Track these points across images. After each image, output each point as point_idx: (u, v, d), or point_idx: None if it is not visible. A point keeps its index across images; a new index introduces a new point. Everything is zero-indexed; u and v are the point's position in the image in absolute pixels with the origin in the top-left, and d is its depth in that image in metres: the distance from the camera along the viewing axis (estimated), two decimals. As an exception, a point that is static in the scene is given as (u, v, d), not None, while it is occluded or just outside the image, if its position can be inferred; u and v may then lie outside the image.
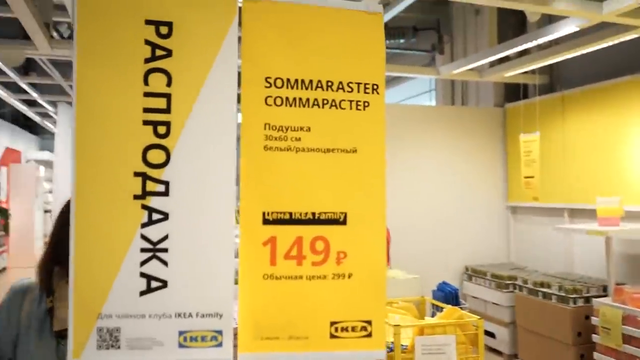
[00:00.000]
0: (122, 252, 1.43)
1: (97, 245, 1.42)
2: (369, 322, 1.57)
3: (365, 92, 1.61)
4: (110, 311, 1.42)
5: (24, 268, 10.86)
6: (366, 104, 1.61)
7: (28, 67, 8.53)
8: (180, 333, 1.45)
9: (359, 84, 1.60)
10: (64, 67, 8.28)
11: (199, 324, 1.46)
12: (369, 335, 1.56)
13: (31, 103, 11.51)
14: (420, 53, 7.79)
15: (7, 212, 11.24)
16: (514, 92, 6.53)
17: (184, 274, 1.46)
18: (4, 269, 10.47)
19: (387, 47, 7.41)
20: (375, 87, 1.62)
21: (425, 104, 9.17)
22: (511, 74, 5.87)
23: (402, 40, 7.02)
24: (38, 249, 12.68)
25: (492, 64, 6.05)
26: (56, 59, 7.57)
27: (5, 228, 10.92)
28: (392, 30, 6.90)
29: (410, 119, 6.35)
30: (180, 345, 1.45)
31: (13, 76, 8.45)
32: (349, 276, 1.56)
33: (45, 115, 13.15)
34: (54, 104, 10.92)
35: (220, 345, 1.47)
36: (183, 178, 1.47)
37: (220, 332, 1.47)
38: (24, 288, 1.75)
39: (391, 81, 9.12)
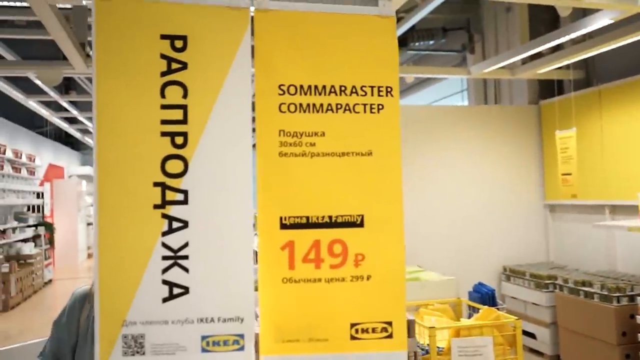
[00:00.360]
0: (144, 260, 1.47)
1: (120, 255, 1.46)
2: (390, 323, 1.56)
3: (379, 95, 1.61)
4: (135, 318, 1.46)
5: (68, 279, 11.21)
6: (380, 106, 1.61)
7: (68, 86, 8.83)
8: (203, 338, 1.49)
9: (372, 87, 1.61)
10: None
11: (221, 328, 1.49)
12: (390, 336, 1.56)
13: (72, 120, 11.91)
14: (451, 53, 7.71)
15: (52, 226, 11.63)
16: (548, 88, 6.39)
17: (205, 280, 1.50)
18: (50, 280, 10.83)
19: (416, 49, 7.38)
20: (389, 89, 1.62)
21: (458, 104, 9.06)
22: (545, 70, 5.75)
23: (431, 42, 6.97)
24: (82, 260, 13.08)
25: (525, 61, 5.94)
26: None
27: (51, 241, 11.30)
28: (421, 32, 6.86)
29: (443, 119, 6.29)
30: (203, 350, 1.48)
31: (54, 95, 8.76)
32: (368, 278, 1.57)
33: (85, 131, 13.57)
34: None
35: (242, 349, 1.49)
36: (201, 186, 1.51)
37: (242, 336, 1.50)
38: (83, 294, 1.83)
39: (422, 83, 9.06)
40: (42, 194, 11.76)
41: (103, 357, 1.44)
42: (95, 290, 1.44)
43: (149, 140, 1.49)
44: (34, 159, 11.39)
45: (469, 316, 4.17)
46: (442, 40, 7.00)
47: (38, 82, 7.60)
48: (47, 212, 12.08)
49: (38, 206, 11.22)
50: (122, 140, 1.49)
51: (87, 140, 14.66)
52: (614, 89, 5.36)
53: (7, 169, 9.56)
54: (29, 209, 10.70)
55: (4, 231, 9.30)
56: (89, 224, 14.45)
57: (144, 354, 1.46)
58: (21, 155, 10.46)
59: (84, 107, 10.26)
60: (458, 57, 7.77)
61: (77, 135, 13.50)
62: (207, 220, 1.51)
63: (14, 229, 9.71)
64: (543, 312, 5.47)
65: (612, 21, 4.28)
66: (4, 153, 9.48)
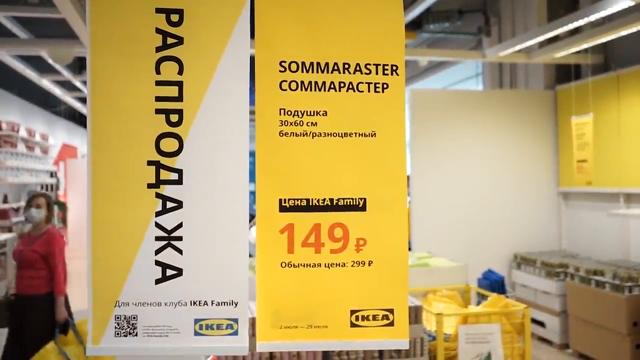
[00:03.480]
0: (138, 240, 1.44)
1: (113, 234, 1.43)
2: (391, 311, 1.52)
3: (384, 74, 1.55)
4: (127, 299, 1.44)
5: (80, 258, 11.34)
6: (385, 85, 1.55)
7: (81, 66, 8.82)
8: (196, 321, 1.46)
9: (377, 65, 1.55)
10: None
11: (214, 312, 1.46)
12: (391, 324, 1.52)
13: (85, 100, 11.93)
14: (466, 36, 7.56)
15: (65, 205, 11.73)
16: (565, 73, 6.24)
17: (199, 262, 1.46)
18: (64, 259, 10.95)
19: (431, 32, 7.24)
20: (394, 68, 1.56)
21: (472, 88, 8.92)
22: (562, 54, 5.61)
23: (447, 24, 6.83)
24: (96, 240, 13.23)
25: (542, 45, 5.80)
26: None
27: (64, 220, 11.41)
28: (437, 14, 6.72)
29: (457, 104, 6.19)
30: (196, 333, 1.45)
31: (67, 74, 8.77)
32: (369, 263, 1.52)
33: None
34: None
35: (235, 333, 1.46)
36: (196, 166, 1.47)
37: (235, 321, 1.47)
38: None
39: (437, 66, 8.91)
40: (56, 173, 11.85)
41: (95, 338, 1.42)
42: (89, 269, 1.42)
43: (143, 117, 1.45)
44: (48, 138, 11.46)
45: (478, 303, 4.13)
46: (458, 22, 6.85)
47: (51, 61, 7.62)
48: (60, 191, 12.19)
49: (52, 185, 11.30)
50: (116, 117, 1.45)
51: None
52: (633, 74, 5.22)
53: (21, 147, 9.62)
54: (42, 188, 10.79)
55: (17, 209, 9.39)
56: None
57: (136, 335, 1.44)
58: (35, 134, 10.52)
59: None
60: (473, 40, 7.61)
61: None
62: (202, 200, 1.47)
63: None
64: (553, 300, 5.41)
65: (633, 3, 4.14)
66: (18, 131, 9.53)
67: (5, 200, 9.25)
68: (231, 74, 1.48)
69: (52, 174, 11.46)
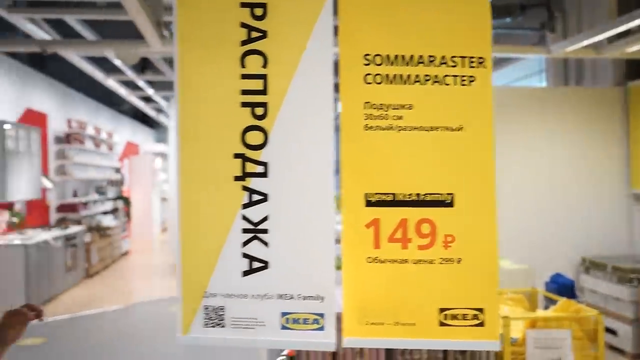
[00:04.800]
0: (225, 232, 1.45)
1: (201, 226, 1.45)
2: (481, 310, 1.48)
3: (470, 67, 1.51)
4: (215, 290, 1.46)
5: (143, 252, 11.72)
6: (472, 78, 1.50)
7: (144, 66, 9.11)
8: (283, 314, 1.46)
9: (463, 57, 1.51)
10: (176, 64, 8.73)
11: (300, 306, 1.46)
12: (481, 324, 1.47)
13: (147, 99, 12.33)
14: (529, 32, 7.32)
15: (129, 200, 12.15)
16: (637, 68, 5.94)
17: (285, 255, 1.46)
18: (127, 252, 11.34)
19: (492, 27, 7.05)
20: (480, 60, 1.51)
21: (536, 85, 8.64)
22: (634, 49, 5.34)
23: (508, 19, 6.63)
24: (156, 234, 13.63)
25: (611, 40, 5.54)
26: (168, 57, 8.02)
27: (128, 215, 11.81)
28: (498, 9, 6.54)
29: (520, 101, 6.00)
30: (283, 327, 1.46)
31: (130, 74, 9.08)
32: (458, 261, 1.48)
33: (159, 110, 14.04)
34: (167, 99, 11.61)
35: (322, 328, 1.45)
36: (281, 159, 1.47)
37: (321, 316, 1.46)
38: None
39: (498, 63, 8.68)
40: (120, 169, 12.29)
41: (185, 328, 1.45)
42: (178, 260, 1.45)
43: (229, 110, 1.47)
44: (113, 136, 11.90)
45: (546, 307, 3.99)
46: (520, 17, 6.65)
47: (117, 61, 7.90)
48: (125, 187, 12.63)
49: (116, 181, 11.73)
50: (203, 110, 1.47)
51: (161, 118, 15.18)
52: None
53: (89, 144, 10.03)
54: (108, 184, 11.21)
55: (86, 203, 9.80)
56: (163, 199, 15.02)
57: (223, 326, 1.46)
58: (101, 132, 10.94)
59: (159, 86, 10.58)
60: (536, 36, 7.36)
61: (152, 114, 13.99)
62: (287, 193, 1.47)
63: (94, 202, 10.21)
64: (626, 307, 5.15)
65: None
66: (86, 129, 9.94)
67: (74, 195, 9.67)
68: (314, 67, 1.48)
69: (117, 170, 11.88)
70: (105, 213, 10.60)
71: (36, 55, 6.84)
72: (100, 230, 9.71)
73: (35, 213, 8.18)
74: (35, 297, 6.58)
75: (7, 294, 6.28)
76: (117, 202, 11.35)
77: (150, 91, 10.53)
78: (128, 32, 6.20)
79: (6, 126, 6.60)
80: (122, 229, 11.08)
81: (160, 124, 17.25)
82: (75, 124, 9.55)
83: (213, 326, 1.46)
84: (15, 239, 6.71)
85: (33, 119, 8.13)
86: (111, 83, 9.55)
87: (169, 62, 8.60)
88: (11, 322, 1.45)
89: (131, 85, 10.52)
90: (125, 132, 14.22)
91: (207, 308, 1.46)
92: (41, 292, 6.86)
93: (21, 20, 6.13)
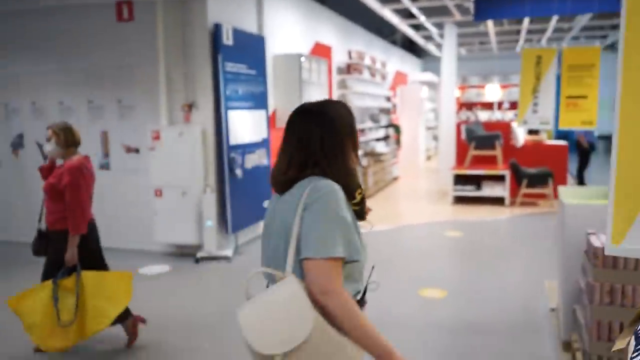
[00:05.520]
0: None
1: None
2: None
3: None
4: None
5: (410, 178, 12.21)
6: None
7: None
8: None
9: None
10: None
11: None
12: None
13: (418, 27, 12.40)
14: None
15: (399, 128, 12.66)
16: None
17: None
18: (396, 177, 11.95)
19: None
20: None
21: None
22: None
23: None
24: (421, 162, 14.04)
25: None
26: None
27: (398, 142, 12.35)
28: None
29: None
30: None
31: (406, 2, 9.19)
32: None
33: (428, 38, 14.02)
34: (440, 25, 11.50)
35: None
36: None
37: None
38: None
39: None
40: (391, 98, 12.80)
41: (616, 236, 1.42)
42: (611, 178, 1.41)
43: None
44: (386, 65, 12.37)
45: None
46: None
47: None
48: (394, 115, 13.18)
49: (387, 109, 12.28)
50: None
51: (429, 47, 15.19)
52: None
53: (365, 74, 10.63)
54: (380, 112, 11.81)
55: (362, 130, 10.54)
56: (428, 128, 15.28)
57: None
58: (375, 61, 11.47)
59: (431, 12, 10.51)
60: None
61: (421, 42, 14.07)
62: None
63: (370, 129, 10.91)
64: None
65: None
66: (363, 59, 10.53)
67: (352, 122, 10.45)
68: None
69: (388, 99, 12.41)
70: (378, 140, 11.25)
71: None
72: (374, 156, 10.39)
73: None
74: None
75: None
76: (388, 129, 11.91)
77: (422, 18, 10.56)
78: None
79: (302, 59, 7.36)
80: (392, 155, 11.66)
81: (428, 53, 17.32)
82: (354, 55, 10.17)
83: None
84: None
85: (320, 51, 8.90)
86: (386, 12, 9.82)
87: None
88: None
89: (403, 13, 10.67)
90: (394, 62, 14.66)
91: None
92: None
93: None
